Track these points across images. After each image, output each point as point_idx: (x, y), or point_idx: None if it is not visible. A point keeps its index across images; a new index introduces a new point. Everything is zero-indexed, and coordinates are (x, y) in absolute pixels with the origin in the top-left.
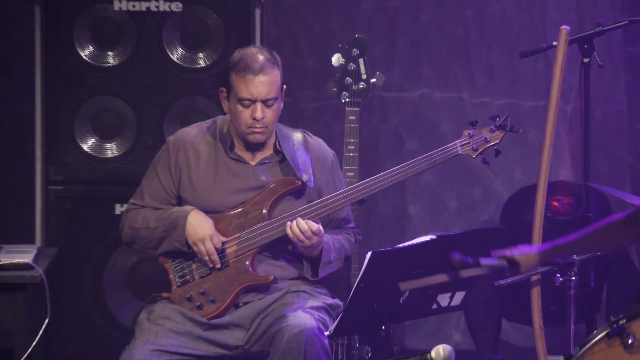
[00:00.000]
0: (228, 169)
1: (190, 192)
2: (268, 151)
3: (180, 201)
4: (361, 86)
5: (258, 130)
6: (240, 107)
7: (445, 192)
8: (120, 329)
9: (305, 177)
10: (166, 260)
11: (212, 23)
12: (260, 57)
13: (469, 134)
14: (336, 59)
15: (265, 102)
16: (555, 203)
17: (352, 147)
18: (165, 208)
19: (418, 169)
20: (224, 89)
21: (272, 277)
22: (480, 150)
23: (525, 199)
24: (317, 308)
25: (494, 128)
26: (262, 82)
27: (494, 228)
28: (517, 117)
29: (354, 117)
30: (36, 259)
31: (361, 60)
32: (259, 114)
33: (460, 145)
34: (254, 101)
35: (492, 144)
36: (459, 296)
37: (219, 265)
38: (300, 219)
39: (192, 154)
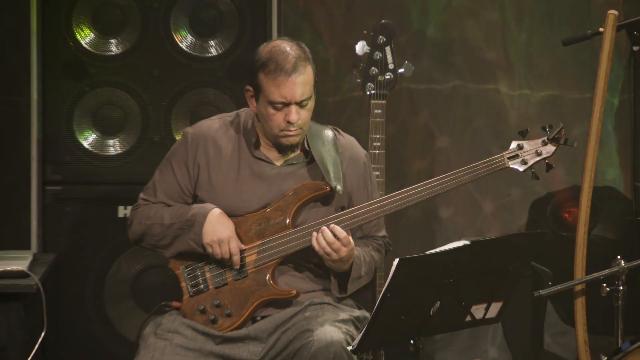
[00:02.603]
0: (251, 169)
1: (208, 192)
2: (295, 152)
3: (196, 201)
4: (388, 77)
5: (292, 133)
6: (272, 110)
7: (480, 193)
8: (123, 343)
9: (334, 183)
10: (178, 265)
11: (224, 8)
12: (292, 55)
13: (518, 145)
14: (360, 47)
15: (299, 104)
16: (565, 215)
17: (378, 144)
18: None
19: (460, 182)
20: (251, 89)
21: (294, 292)
22: (530, 164)
23: (541, 210)
24: (343, 321)
25: (546, 140)
26: (296, 83)
27: (535, 232)
28: (559, 110)
29: (380, 111)
30: (32, 266)
31: (388, 49)
32: (294, 117)
33: (508, 158)
34: (287, 104)
35: (544, 157)
36: (495, 307)
37: (237, 266)
38: (325, 229)
39: (212, 150)
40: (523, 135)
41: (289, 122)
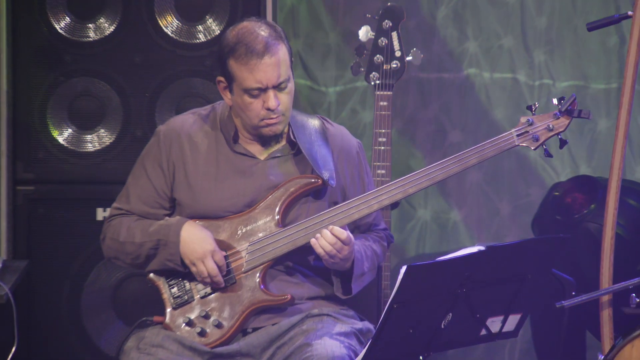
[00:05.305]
0: (232, 166)
1: (186, 194)
2: (280, 143)
3: (174, 204)
4: (394, 65)
5: (274, 120)
6: (248, 99)
7: (495, 193)
8: (102, 358)
9: (326, 175)
10: (158, 277)
11: None
12: (261, 34)
13: (528, 120)
14: (364, 33)
15: (277, 87)
16: (569, 200)
17: (384, 139)
18: (154, 213)
19: (464, 165)
20: (222, 79)
21: (288, 297)
22: (541, 141)
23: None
24: (345, 334)
25: (558, 113)
26: (269, 64)
27: (557, 237)
28: (584, 102)
29: (385, 103)
30: (1, 274)
31: (394, 34)
32: (273, 103)
33: (517, 135)
34: (264, 89)
35: (556, 132)
36: (512, 320)
37: (222, 286)
38: (325, 231)
39: (188, 147)
40: (532, 110)
41: (269, 109)
